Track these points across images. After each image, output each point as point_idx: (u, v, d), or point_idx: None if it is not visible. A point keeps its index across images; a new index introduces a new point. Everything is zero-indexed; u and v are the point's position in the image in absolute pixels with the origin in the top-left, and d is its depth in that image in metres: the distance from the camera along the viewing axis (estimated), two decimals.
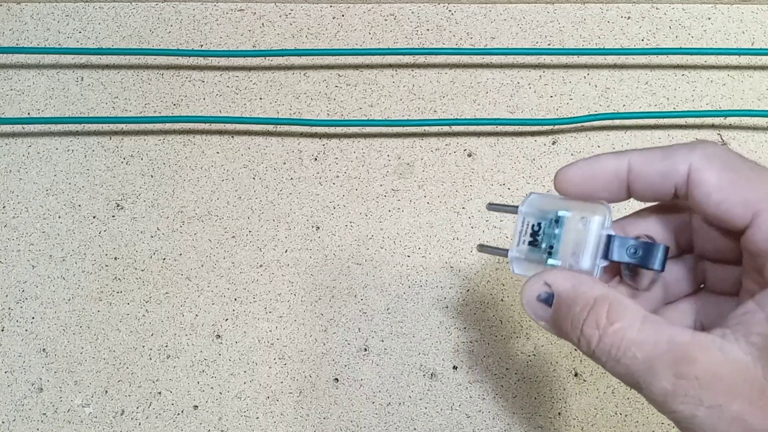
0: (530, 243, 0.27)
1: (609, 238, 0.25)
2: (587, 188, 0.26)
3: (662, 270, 0.25)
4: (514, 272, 0.28)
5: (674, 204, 0.28)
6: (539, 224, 0.27)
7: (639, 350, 0.22)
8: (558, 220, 0.26)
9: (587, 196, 0.26)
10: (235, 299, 0.43)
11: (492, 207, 0.29)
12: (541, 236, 0.27)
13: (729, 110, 0.44)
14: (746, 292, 0.26)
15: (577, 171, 0.26)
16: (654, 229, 0.28)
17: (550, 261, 0.26)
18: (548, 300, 0.25)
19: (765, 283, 0.23)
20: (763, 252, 0.23)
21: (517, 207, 0.27)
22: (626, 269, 0.27)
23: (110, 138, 0.45)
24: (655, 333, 0.22)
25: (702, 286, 0.28)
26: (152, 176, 0.44)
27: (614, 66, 0.45)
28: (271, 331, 0.42)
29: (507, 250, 0.28)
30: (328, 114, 0.45)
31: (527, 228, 0.27)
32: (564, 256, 0.26)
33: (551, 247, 0.26)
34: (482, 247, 0.29)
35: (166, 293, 0.43)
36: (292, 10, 0.46)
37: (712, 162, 0.24)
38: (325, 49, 0.44)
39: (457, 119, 0.44)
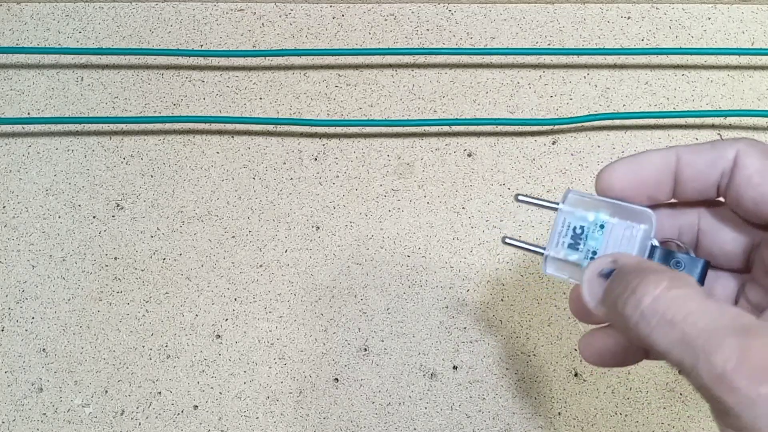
0: (570, 245, 0.27)
1: (653, 248, 0.26)
2: (634, 183, 0.26)
3: (701, 284, 0.25)
4: (545, 272, 0.27)
5: (687, 204, 0.27)
6: (582, 227, 0.26)
7: (701, 318, 0.21)
8: (603, 226, 0.26)
9: (631, 196, 0.26)
10: (235, 299, 0.43)
11: (522, 199, 0.28)
12: (584, 240, 0.26)
13: (729, 110, 0.44)
14: (747, 300, 0.26)
15: (624, 166, 0.26)
16: (660, 217, 0.27)
17: None
18: (609, 275, 0.24)
19: None
20: None
21: (552, 203, 0.27)
22: None
23: (110, 138, 0.45)
24: (718, 307, 0.21)
25: None
26: (152, 176, 0.44)
27: (614, 66, 0.45)
28: (271, 331, 0.42)
29: (540, 247, 0.27)
30: (328, 114, 0.45)
31: (567, 229, 0.27)
32: None
33: (594, 252, 0.26)
34: (508, 241, 0.28)
35: (166, 293, 0.43)
36: (292, 10, 0.46)
37: (756, 149, 0.25)
38: (325, 49, 0.44)
39: (457, 119, 0.44)
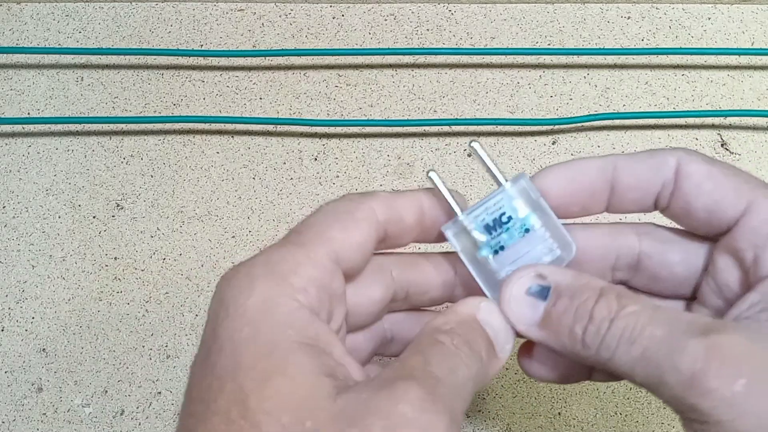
0: (486, 226, 0.25)
1: None
2: (568, 191, 0.25)
3: None
4: (443, 229, 0.25)
5: (621, 224, 0.26)
6: (509, 218, 0.25)
7: (658, 328, 0.20)
8: (528, 230, 0.25)
9: (566, 204, 0.25)
10: None
11: (477, 149, 0.26)
12: (501, 230, 0.25)
13: (729, 110, 0.44)
14: None
15: (558, 173, 0.25)
16: (596, 239, 0.26)
17: (491, 260, 0.25)
18: (542, 293, 0.23)
19: (757, 279, 0.22)
20: (763, 238, 0.22)
21: (500, 176, 0.26)
22: None
23: (110, 138, 0.45)
24: (673, 314, 0.20)
25: None
26: (152, 176, 0.44)
27: (614, 66, 0.45)
28: None
29: (458, 206, 0.26)
30: (328, 114, 0.45)
31: (495, 212, 0.25)
32: (505, 263, 0.25)
33: (501, 247, 0.25)
34: (432, 188, 0.26)
35: (166, 293, 0.43)
36: (292, 10, 0.46)
37: (697, 156, 0.23)
38: (325, 49, 0.44)
39: (457, 119, 0.44)
